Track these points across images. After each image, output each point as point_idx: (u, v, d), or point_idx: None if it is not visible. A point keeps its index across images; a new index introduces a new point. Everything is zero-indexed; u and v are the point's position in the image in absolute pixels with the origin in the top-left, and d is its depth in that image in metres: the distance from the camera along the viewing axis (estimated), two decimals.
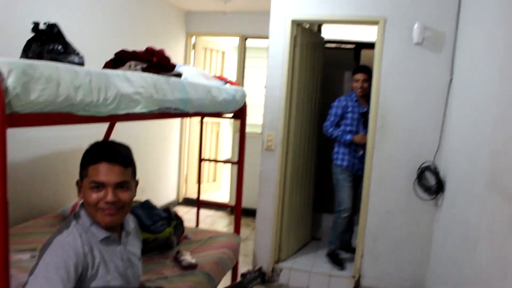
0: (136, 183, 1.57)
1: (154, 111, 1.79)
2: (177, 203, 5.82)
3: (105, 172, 1.41)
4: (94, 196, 1.41)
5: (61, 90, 1.29)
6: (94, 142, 1.48)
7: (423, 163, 3.25)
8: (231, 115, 3.12)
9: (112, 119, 1.59)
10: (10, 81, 1.13)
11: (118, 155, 1.45)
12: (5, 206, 1.15)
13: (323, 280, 3.62)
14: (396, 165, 3.35)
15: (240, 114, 3.06)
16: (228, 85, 2.92)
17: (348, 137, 3.69)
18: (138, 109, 1.66)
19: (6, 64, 1.14)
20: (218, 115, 2.91)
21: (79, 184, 1.47)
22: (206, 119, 4.94)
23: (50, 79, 1.25)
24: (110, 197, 1.41)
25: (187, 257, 2.54)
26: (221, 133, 6.44)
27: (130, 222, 1.66)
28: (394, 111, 3.32)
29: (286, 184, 3.71)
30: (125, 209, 1.49)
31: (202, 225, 4.16)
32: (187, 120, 5.77)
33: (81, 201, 1.51)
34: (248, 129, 3.32)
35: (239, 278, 2.00)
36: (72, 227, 1.42)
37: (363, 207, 3.45)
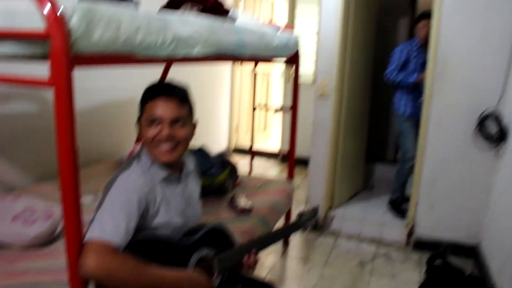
0: (194, 125, 1.58)
1: (211, 54, 1.78)
2: (228, 152, 5.91)
3: (161, 107, 1.43)
4: (151, 132, 1.44)
5: (121, 31, 1.30)
6: (152, 82, 1.50)
7: (484, 111, 3.10)
8: (284, 62, 3.08)
9: (170, 61, 1.60)
10: (73, 22, 1.15)
11: (174, 90, 1.47)
12: (75, 152, 1.20)
13: (375, 228, 3.62)
14: (455, 112, 3.20)
15: (293, 59, 3.01)
16: (280, 31, 2.86)
17: (414, 77, 3.59)
18: (195, 52, 1.65)
19: (69, 6, 1.15)
20: (272, 60, 2.86)
21: (138, 124, 1.50)
22: (256, 69, 4.90)
23: (110, 20, 1.26)
24: (165, 131, 1.43)
25: (242, 201, 2.60)
26: (271, 84, 6.40)
27: (190, 163, 1.69)
28: (454, 57, 3.14)
29: (340, 131, 3.66)
30: (181, 146, 1.50)
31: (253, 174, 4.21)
32: (237, 70, 5.75)
33: (141, 143, 1.55)
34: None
35: (294, 218, 2.00)
36: (134, 166, 1.46)
37: (420, 155, 3.36)
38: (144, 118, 1.46)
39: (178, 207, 1.56)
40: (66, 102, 1.15)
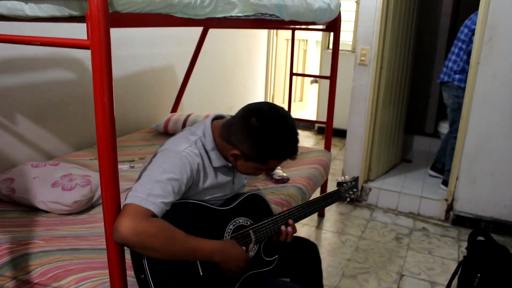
0: None
1: (250, 16, 1.70)
2: None
3: (281, 163, 1.47)
4: (260, 172, 1.49)
5: None
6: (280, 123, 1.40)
7: None
8: (322, 27, 2.96)
9: (208, 24, 1.53)
10: None
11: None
12: (112, 113, 1.15)
13: (413, 201, 3.52)
14: (503, 83, 3.02)
15: (333, 25, 2.89)
16: None
17: None
18: (235, 13, 1.58)
19: None
20: (312, 24, 2.75)
21: (239, 156, 1.42)
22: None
23: None
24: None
25: (278, 171, 2.55)
26: (307, 53, 6.26)
27: None
28: (505, 23, 2.94)
29: (379, 101, 3.53)
30: None
31: None
32: (273, 38, 5.64)
33: (209, 119, 1.50)
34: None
35: (333, 187, 1.91)
36: (193, 142, 1.42)
37: (462, 127, 3.20)
38: (259, 165, 1.44)
39: (225, 193, 1.54)
40: (103, 63, 1.10)
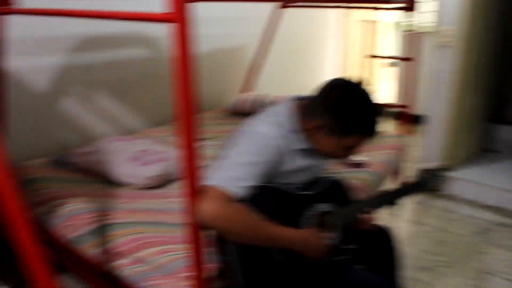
0: None
1: None
2: None
3: (364, 143, 1.43)
4: (341, 153, 1.45)
5: None
6: (362, 95, 1.39)
7: None
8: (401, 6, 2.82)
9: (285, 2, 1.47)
10: None
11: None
12: (194, 96, 1.14)
13: (496, 194, 3.28)
14: None
15: (411, 4, 2.75)
16: None
17: None
18: None
19: None
20: (389, 3, 2.63)
21: (320, 127, 1.40)
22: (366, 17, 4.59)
23: None
24: (351, 156, 1.48)
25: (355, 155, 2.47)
26: (380, 34, 6.02)
27: None
28: None
29: (463, 86, 3.30)
30: None
31: None
32: (343, 20, 5.48)
33: (290, 100, 1.48)
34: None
35: (416, 175, 1.78)
36: (275, 123, 1.39)
37: None
38: (343, 142, 1.41)
39: (305, 177, 1.51)
40: (188, 36, 1.09)
